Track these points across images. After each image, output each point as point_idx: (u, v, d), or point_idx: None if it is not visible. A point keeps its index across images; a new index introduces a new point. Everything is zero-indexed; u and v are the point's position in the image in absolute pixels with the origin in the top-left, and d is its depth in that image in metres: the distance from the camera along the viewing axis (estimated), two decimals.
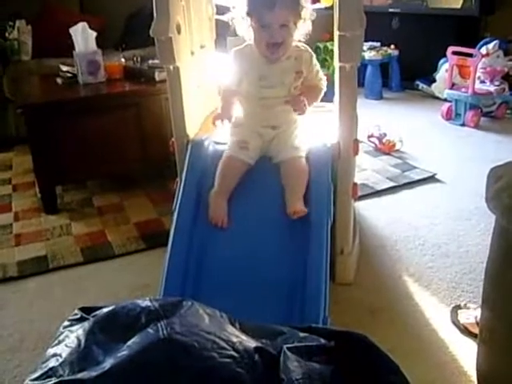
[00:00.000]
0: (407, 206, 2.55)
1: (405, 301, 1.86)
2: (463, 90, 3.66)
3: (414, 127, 3.67)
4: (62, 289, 2.05)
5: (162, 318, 1.17)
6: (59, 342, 1.20)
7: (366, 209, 2.50)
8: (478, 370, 1.30)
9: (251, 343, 1.16)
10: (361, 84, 4.38)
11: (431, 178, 2.81)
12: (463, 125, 3.67)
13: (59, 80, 2.89)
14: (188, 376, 1.06)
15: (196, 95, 2.01)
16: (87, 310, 1.34)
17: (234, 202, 1.70)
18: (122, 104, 2.67)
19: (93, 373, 1.05)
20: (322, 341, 1.21)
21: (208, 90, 2.19)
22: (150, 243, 2.29)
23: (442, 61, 4.13)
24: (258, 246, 1.63)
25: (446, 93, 3.76)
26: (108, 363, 1.06)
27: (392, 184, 2.73)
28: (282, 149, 1.75)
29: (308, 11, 1.71)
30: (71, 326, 1.28)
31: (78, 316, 1.33)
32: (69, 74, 2.90)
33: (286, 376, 1.09)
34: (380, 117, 3.75)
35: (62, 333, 1.26)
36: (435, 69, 4.23)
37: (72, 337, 1.18)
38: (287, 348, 1.15)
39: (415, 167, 2.94)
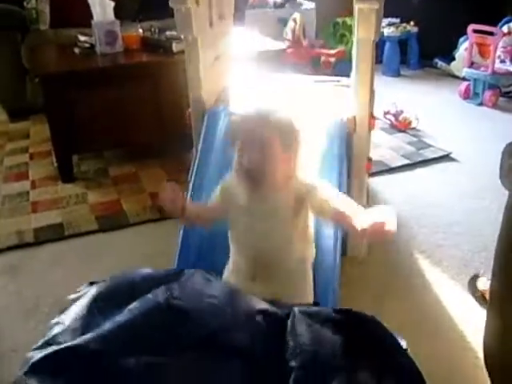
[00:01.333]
0: (421, 183, 2.55)
1: (416, 277, 1.88)
2: (482, 69, 3.61)
3: (430, 105, 3.64)
4: (77, 256, 2.09)
5: (163, 284, 1.14)
6: (64, 312, 1.19)
7: (379, 186, 2.50)
8: (484, 344, 1.31)
9: (254, 306, 1.12)
10: (379, 61, 4.33)
11: (446, 157, 2.80)
12: (481, 104, 3.63)
13: (77, 50, 2.90)
14: (186, 344, 1.03)
15: (213, 67, 2.00)
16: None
17: None
18: (139, 74, 2.68)
19: (88, 337, 1.03)
20: (333, 314, 1.14)
21: (225, 61, 2.18)
22: (164, 213, 2.27)
23: (462, 39, 4.07)
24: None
25: (465, 71, 3.72)
26: (105, 328, 1.05)
27: (407, 161, 2.73)
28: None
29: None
30: (78, 298, 1.24)
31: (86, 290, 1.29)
32: (86, 44, 2.91)
33: (293, 340, 1.03)
34: (397, 94, 3.72)
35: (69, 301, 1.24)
36: (455, 47, 4.17)
37: (76, 306, 1.17)
38: (298, 311, 1.11)
39: (430, 145, 2.93)
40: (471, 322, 1.64)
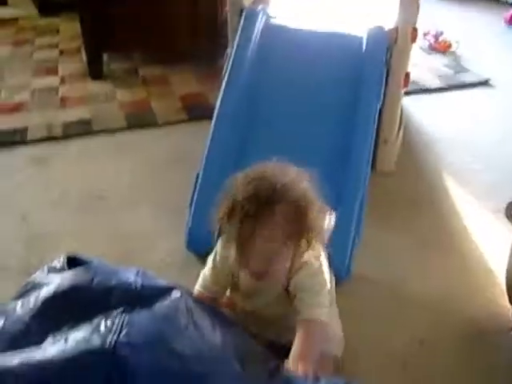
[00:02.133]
0: (455, 107, 2.49)
1: (442, 197, 1.86)
2: None
3: (473, 30, 3.48)
4: (105, 152, 2.10)
5: (134, 304, 0.90)
6: (20, 296, 0.99)
7: (413, 105, 2.44)
8: (508, 268, 1.31)
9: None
10: None
11: (484, 83, 2.70)
12: None
13: None
14: None
15: None
16: (73, 260, 1.09)
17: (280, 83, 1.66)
18: None
19: (11, 362, 0.80)
20: None
21: None
22: (193, 115, 2.30)
23: None
24: (302, 127, 1.61)
25: None
26: (33, 355, 0.82)
27: (443, 84, 2.65)
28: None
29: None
30: (47, 275, 1.07)
31: (59, 266, 1.09)
32: None
33: None
34: (439, 16, 3.55)
35: (31, 282, 1.04)
36: None
37: (30, 298, 0.96)
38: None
39: (468, 70, 2.82)
40: (495, 245, 1.63)
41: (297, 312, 1.09)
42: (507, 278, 1.31)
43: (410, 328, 1.36)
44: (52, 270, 1.09)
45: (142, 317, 0.87)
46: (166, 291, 0.96)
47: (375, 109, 1.57)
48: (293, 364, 1.02)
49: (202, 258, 1.54)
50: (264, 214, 0.99)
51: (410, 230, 1.69)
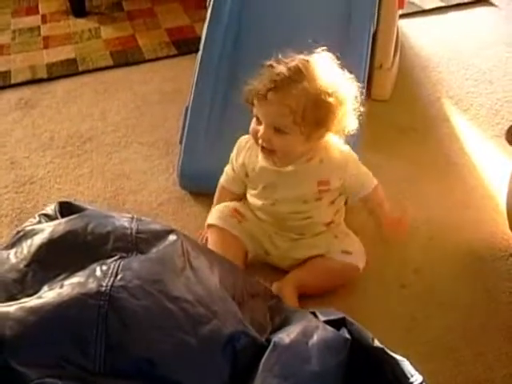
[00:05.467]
0: (455, 28, 2.38)
1: (441, 122, 1.81)
2: None
3: None
4: (92, 91, 2.03)
5: (130, 250, 0.90)
6: (11, 246, 0.97)
7: (409, 28, 2.34)
8: (508, 193, 1.28)
9: (227, 325, 0.83)
10: None
11: (484, 1, 2.58)
12: None
13: None
14: (122, 362, 0.76)
15: None
16: (66, 207, 1.08)
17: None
18: None
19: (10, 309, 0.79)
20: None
21: None
22: (181, 49, 2.23)
23: None
24: None
25: None
26: (29, 302, 0.80)
27: (440, 4, 2.52)
28: (320, 249, 1.25)
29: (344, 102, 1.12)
30: (39, 223, 1.05)
31: (52, 213, 1.08)
32: None
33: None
34: None
35: (23, 230, 1.01)
36: None
37: (23, 245, 0.95)
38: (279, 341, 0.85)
39: None
40: (495, 171, 1.60)
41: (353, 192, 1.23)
42: (507, 203, 1.28)
43: (405, 255, 1.35)
44: (44, 217, 1.07)
45: (137, 261, 0.87)
46: (162, 235, 0.95)
47: (369, 30, 1.50)
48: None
49: (196, 195, 1.53)
50: (282, 87, 1.06)
51: (406, 157, 1.65)
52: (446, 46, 2.23)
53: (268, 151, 1.14)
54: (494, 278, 1.30)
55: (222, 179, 1.33)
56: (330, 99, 1.08)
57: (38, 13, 2.62)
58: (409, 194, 1.52)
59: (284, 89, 1.07)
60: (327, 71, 1.11)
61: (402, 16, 2.23)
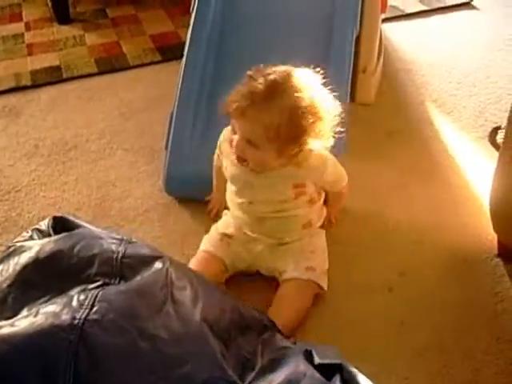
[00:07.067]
0: (437, 31, 2.40)
1: (425, 125, 1.82)
2: None
3: None
4: (76, 99, 2.03)
5: (114, 276, 0.89)
6: (1, 262, 0.97)
7: (392, 32, 2.35)
8: (491, 193, 1.29)
9: (203, 369, 0.80)
10: None
11: (466, 5, 2.60)
12: None
13: None
14: None
15: None
16: (59, 222, 1.09)
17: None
18: None
19: None
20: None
21: None
22: (166, 55, 2.23)
23: None
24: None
25: None
26: (3, 329, 0.79)
27: (423, 7, 2.54)
28: (283, 263, 1.25)
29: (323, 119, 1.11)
30: (31, 237, 1.06)
31: (45, 228, 1.08)
32: None
33: None
34: None
35: (13, 246, 1.01)
36: None
37: (10, 263, 0.94)
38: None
39: None
40: (479, 172, 1.61)
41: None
42: (491, 204, 1.29)
43: (390, 258, 1.36)
44: (37, 232, 1.07)
45: (116, 292, 0.85)
46: (148, 261, 0.93)
47: (351, 34, 1.50)
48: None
49: (181, 201, 1.53)
50: (258, 103, 1.06)
51: (390, 160, 1.65)
52: (429, 50, 2.25)
53: (242, 160, 1.15)
54: (480, 278, 1.31)
55: (214, 162, 1.35)
56: (307, 116, 1.07)
57: (21, 20, 2.61)
58: (393, 197, 1.53)
59: (259, 105, 1.06)
60: (307, 87, 1.09)
61: (385, 20, 2.25)
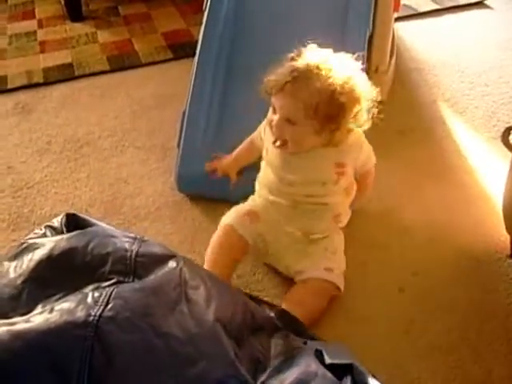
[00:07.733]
0: (450, 31, 2.39)
1: (437, 125, 1.81)
2: None
3: None
4: (88, 96, 2.03)
5: (128, 274, 0.89)
6: (14, 258, 0.97)
7: (405, 31, 2.35)
8: (504, 195, 1.28)
9: (216, 368, 0.80)
10: None
11: (479, 4, 2.59)
12: None
13: None
14: None
15: None
16: (72, 220, 1.08)
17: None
18: None
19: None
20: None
21: None
22: (177, 53, 2.23)
23: None
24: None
25: None
26: (17, 325, 0.78)
27: (436, 6, 2.53)
28: (303, 264, 1.25)
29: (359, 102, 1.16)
30: (43, 235, 1.05)
31: (57, 225, 1.08)
32: None
33: None
34: None
35: (26, 243, 1.01)
36: None
37: (24, 259, 0.94)
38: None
39: None
40: (492, 172, 1.60)
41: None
42: (504, 205, 1.28)
43: (404, 258, 1.35)
44: (50, 229, 1.07)
45: (131, 290, 0.85)
46: (162, 260, 0.93)
47: (364, 34, 1.50)
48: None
49: (193, 199, 1.53)
50: (299, 81, 1.10)
51: (403, 159, 1.65)
52: (442, 49, 2.24)
53: (280, 144, 1.18)
54: (492, 279, 1.30)
55: (252, 134, 1.37)
56: (344, 98, 1.11)
57: (34, 17, 2.62)
58: (406, 196, 1.52)
59: (300, 83, 1.10)
60: (345, 69, 1.14)
61: (398, 19, 2.23)
